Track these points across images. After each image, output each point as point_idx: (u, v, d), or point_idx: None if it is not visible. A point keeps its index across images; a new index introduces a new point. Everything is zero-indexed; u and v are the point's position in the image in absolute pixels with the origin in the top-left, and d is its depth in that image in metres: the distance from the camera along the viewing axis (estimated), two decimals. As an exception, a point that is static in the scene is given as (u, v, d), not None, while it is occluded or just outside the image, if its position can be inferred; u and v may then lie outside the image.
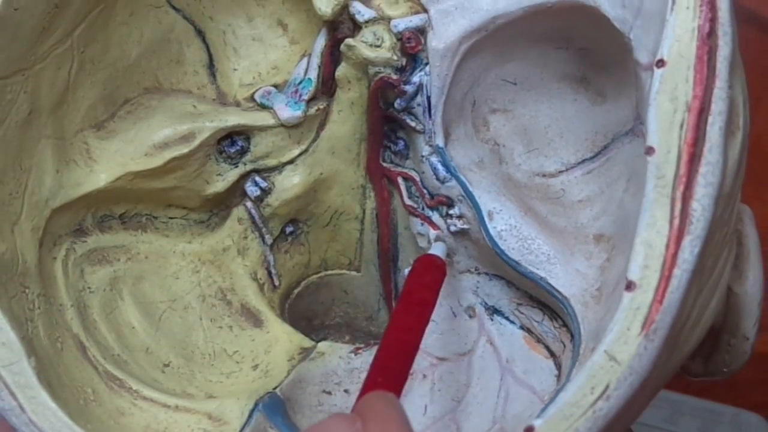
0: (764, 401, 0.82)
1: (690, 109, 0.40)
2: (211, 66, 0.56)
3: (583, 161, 0.52)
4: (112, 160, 0.53)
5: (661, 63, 0.41)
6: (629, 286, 0.40)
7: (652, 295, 0.40)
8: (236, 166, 0.55)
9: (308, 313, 0.60)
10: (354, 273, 0.59)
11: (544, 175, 0.52)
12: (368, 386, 0.42)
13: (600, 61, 0.50)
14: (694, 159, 0.40)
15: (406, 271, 0.55)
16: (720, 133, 0.40)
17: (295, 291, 0.59)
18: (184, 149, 0.53)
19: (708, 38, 0.41)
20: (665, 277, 0.40)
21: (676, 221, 0.40)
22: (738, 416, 0.80)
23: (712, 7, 0.41)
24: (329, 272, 0.59)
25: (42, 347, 0.47)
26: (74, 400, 0.47)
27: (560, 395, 0.40)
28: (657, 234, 0.40)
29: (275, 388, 0.51)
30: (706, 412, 0.80)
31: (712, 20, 0.41)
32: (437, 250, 0.53)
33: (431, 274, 0.51)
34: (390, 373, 0.43)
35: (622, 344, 0.40)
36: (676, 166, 0.40)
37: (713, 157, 0.40)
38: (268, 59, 0.56)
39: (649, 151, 0.40)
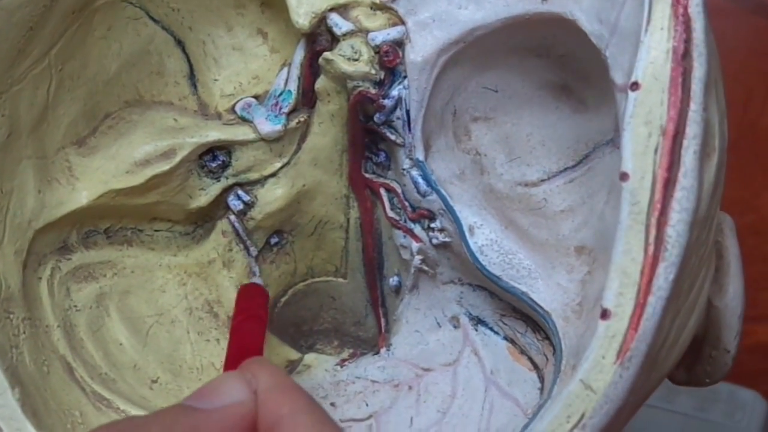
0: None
1: (664, 133, 0.40)
2: (191, 76, 0.56)
3: (565, 170, 0.51)
4: (94, 177, 0.53)
5: (635, 86, 0.41)
6: (604, 314, 0.40)
7: (627, 322, 0.40)
8: (218, 180, 0.55)
9: (296, 319, 0.60)
10: (341, 280, 0.59)
11: (526, 185, 0.52)
12: None
13: (580, 69, 0.50)
14: (668, 184, 0.40)
15: (392, 279, 0.56)
16: (695, 157, 0.40)
17: (282, 299, 0.59)
18: (165, 166, 0.53)
19: (683, 59, 0.41)
20: (640, 305, 0.40)
21: (651, 248, 0.40)
22: (734, 394, 0.81)
23: (687, 27, 0.41)
24: (316, 279, 0.59)
25: (28, 374, 0.47)
26: (62, 425, 0.47)
27: (536, 425, 0.41)
28: (632, 261, 0.40)
29: (261, 405, 0.52)
30: (702, 390, 0.80)
31: (687, 41, 0.41)
32: (256, 281, 0.55)
33: (258, 297, 0.53)
34: None
35: (597, 372, 0.40)
36: (650, 192, 0.40)
37: (688, 182, 0.40)
38: (248, 69, 0.56)
39: (624, 177, 0.40)
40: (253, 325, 0.50)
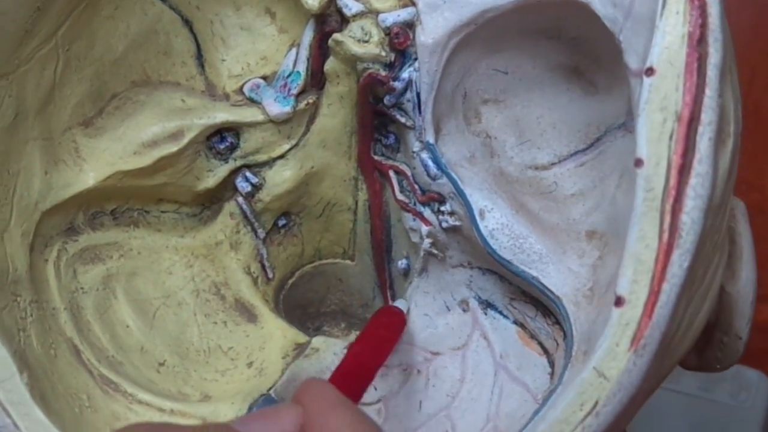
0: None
1: (679, 119, 0.40)
2: (199, 56, 0.55)
3: (576, 153, 0.51)
4: (101, 158, 0.53)
5: (650, 71, 0.40)
6: (618, 301, 0.40)
7: (641, 310, 0.39)
8: (226, 162, 0.55)
9: (303, 301, 0.59)
10: (348, 262, 0.59)
11: (536, 168, 0.52)
12: None
13: (592, 51, 0.49)
14: (683, 171, 0.39)
15: (400, 262, 0.55)
16: (710, 143, 0.40)
17: (290, 281, 0.59)
18: (173, 148, 0.53)
19: (698, 45, 0.40)
20: (654, 292, 0.39)
21: (666, 235, 0.39)
22: (739, 374, 0.81)
23: (703, 12, 0.40)
24: (323, 261, 0.59)
25: (35, 357, 0.47)
26: (69, 408, 0.47)
27: (549, 412, 0.40)
28: (646, 248, 0.40)
29: (270, 389, 0.51)
30: (707, 371, 0.80)
31: (703, 26, 0.40)
32: (399, 304, 0.54)
33: (391, 317, 0.52)
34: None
35: (610, 360, 0.40)
36: (665, 178, 0.39)
37: (703, 169, 0.40)
38: (256, 49, 0.55)
39: (638, 163, 0.40)
40: (370, 350, 0.48)
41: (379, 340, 0.49)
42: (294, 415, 0.37)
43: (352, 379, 0.44)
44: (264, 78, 0.55)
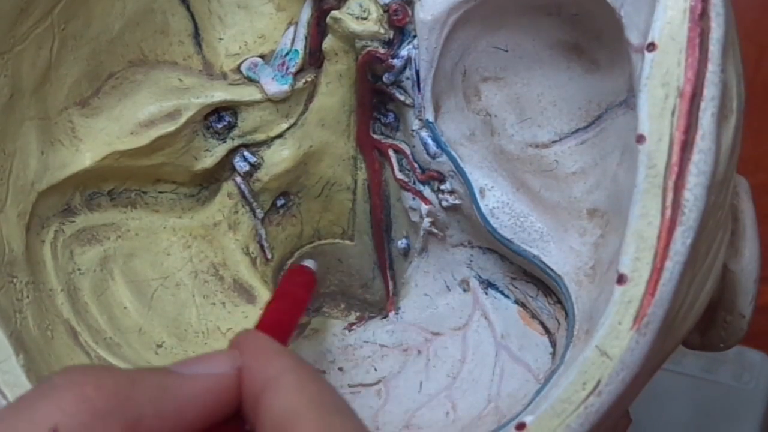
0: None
1: (682, 95, 0.39)
2: (196, 35, 0.55)
3: (577, 131, 0.51)
4: (98, 138, 0.52)
5: (652, 47, 0.40)
6: (621, 279, 0.39)
7: (644, 288, 0.39)
8: (224, 142, 0.54)
9: (303, 282, 0.59)
10: (347, 242, 0.59)
11: (537, 146, 0.51)
12: None
13: (592, 29, 0.49)
14: (686, 147, 0.39)
15: (400, 242, 0.55)
16: (712, 119, 0.39)
17: (288, 262, 0.58)
18: (171, 127, 0.53)
19: (700, 20, 0.40)
20: (657, 270, 0.39)
21: (668, 212, 0.39)
22: (742, 355, 0.80)
23: (704, -15, 0.40)
24: (322, 242, 0.59)
25: (32, 339, 0.46)
26: (66, 390, 0.47)
27: (551, 391, 0.40)
28: (648, 225, 0.39)
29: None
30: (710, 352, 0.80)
31: (704, 0, 0.40)
32: (308, 263, 0.53)
33: (303, 276, 0.52)
34: None
35: (613, 339, 0.39)
36: (667, 155, 0.39)
37: (705, 145, 0.39)
38: (254, 27, 0.55)
39: (640, 139, 0.40)
40: (288, 304, 0.48)
41: (295, 297, 0.49)
42: (232, 359, 0.38)
43: (271, 335, 0.44)
44: (262, 57, 0.54)
